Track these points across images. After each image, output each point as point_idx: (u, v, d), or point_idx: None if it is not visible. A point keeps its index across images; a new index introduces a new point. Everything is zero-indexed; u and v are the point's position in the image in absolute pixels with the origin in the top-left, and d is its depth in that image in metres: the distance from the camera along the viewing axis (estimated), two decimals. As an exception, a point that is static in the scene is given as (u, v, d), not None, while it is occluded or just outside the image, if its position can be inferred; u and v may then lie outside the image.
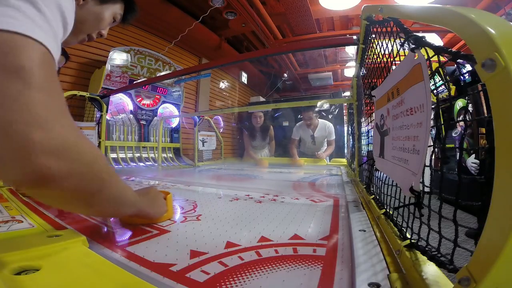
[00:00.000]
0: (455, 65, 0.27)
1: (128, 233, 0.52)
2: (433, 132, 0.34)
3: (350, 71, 5.11)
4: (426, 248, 0.32)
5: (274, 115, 4.35)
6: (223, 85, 4.77)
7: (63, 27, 0.36)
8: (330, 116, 3.74)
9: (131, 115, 2.82)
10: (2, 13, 0.28)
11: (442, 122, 0.34)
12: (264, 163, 2.36)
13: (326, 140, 2.67)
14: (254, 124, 2.79)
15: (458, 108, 2.85)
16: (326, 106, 3.44)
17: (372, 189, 0.76)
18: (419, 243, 0.35)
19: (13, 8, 0.29)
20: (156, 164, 2.48)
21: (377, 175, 0.68)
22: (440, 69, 0.32)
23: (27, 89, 0.28)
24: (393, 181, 0.50)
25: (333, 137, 2.65)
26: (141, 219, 0.56)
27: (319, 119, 2.66)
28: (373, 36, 0.72)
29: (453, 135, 2.95)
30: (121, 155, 2.59)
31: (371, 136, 0.76)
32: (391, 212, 0.51)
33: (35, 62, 0.29)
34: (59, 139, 0.29)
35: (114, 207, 0.43)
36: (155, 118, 3.03)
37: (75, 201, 0.36)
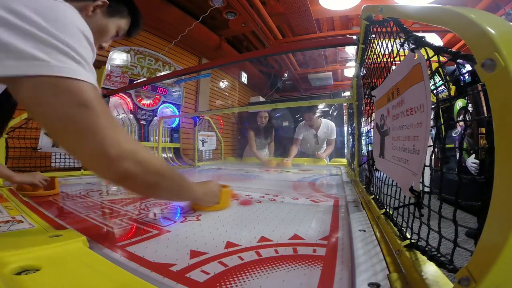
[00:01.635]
0: (455, 65, 0.27)
1: (128, 233, 0.52)
2: (433, 132, 0.34)
3: (350, 71, 5.11)
4: (426, 248, 0.32)
5: (274, 115, 4.35)
6: (223, 85, 4.77)
7: (92, 52, 0.44)
8: (328, 118, 3.73)
9: (131, 115, 2.82)
10: (59, 63, 0.37)
11: (442, 122, 0.34)
12: (272, 163, 2.36)
13: (326, 139, 2.67)
14: (259, 123, 2.78)
15: (458, 108, 2.85)
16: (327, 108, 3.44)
17: (372, 189, 0.76)
18: (419, 243, 0.35)
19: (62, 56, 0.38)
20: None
21: (377, 175, 0.68)
22: (440, 69, 0.32)
23: (97, 117, 0.39)
24: (393, 181, 0.50)
25: (334, 136, 2.65)
26: (200, 206, 0.70)
27: (321, 119, 2.66)
28: (373, 36, 0.72)
29: (453, 135, 2.95)
30: (121, 155, 2.58)
31: (371, 136, 0.76)
32: (391, 212, 0.51)
33: (93, 96, 0.39)
34: (127, 149, 0.42)
35: (174, 194, 0.57)
36: (155, 118, 3.04)
37: (148, 190, 0.49)
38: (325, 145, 2.69)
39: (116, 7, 0.67)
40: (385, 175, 0.57)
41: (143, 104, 2.95)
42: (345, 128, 3.31)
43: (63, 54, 0.37)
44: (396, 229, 0.44)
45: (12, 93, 0.38)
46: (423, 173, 0.34)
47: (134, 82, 2.73)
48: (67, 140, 0.40)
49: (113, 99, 2.65)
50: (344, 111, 4.03)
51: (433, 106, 0.32)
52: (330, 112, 3.95)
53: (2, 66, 0.34)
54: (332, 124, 2.65)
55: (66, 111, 0.37)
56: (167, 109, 3.26)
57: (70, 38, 0.38)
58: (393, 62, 0.52)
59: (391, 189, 0.51)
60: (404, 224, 0.41)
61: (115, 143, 0.40)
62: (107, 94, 1.97)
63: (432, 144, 0.34)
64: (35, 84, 0.36)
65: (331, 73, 5.41)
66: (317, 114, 2.64)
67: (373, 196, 0.70)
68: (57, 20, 0.38)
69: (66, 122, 0.38)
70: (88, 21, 0.44)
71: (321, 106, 2.97)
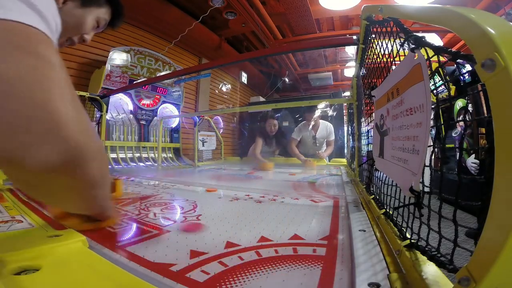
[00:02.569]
0: (455, 65, 0.27)
1: (128, 234, 0.52)
2: (433, 132, 0.34)
3: (350, 71, 5.11)
4: (426, 248, 0.32)
5: (274, 115, 4.34)
6: (223, 85, 4.77)
7: (56, 29, 0.38)
8: (329, 119, 3.72)
9: (131, 115, 2.82)
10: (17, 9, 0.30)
11: (442, 122, 0.34)
12: (269, 167, 2.36)
13: (325, 140, 2.68)
14: (268, 132, 2.75)
15: (458, 108, 2.85)
16: (327, 109, 3.43)
17: (372, 189, 0.76)
18: (419, 243, 0.35)
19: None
20: (156, 164, 2.48)
21: (377, 175, 0.68)
22: (440, 69, 0.32)
23: (53, 71, 0.30)
24: (393, 181, 0.50)
25: (333, 137, 2.66)
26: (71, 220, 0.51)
27: (320, 120, 2.66)
28: (373, 36, 0.72)
29: (453, 135, 2.95)
30: (121, 155, 2.58)
31: (371, 136, 0.76)
32: (391, 212, 0.51)
33: (50, 50, 0.31)
34: (83, 120, 0.32)
35: (102, 203, 0.46)
36: (155, 118, 3.03)
37: (93, 180, 0.37)
38: (324, 146, 2.69)
39: None
40: (385, 175, 0.57)
41: (143, 104, 2.95)
42: (345, 128, 3.31)
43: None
44: (396, 229, 0.44)
45: None
46: (423, 173, 0.34)
47: (134, 82, 2.72)
48: None
49: (113, 99, 2.65)
50: (344, 111, 4.03)
51: (433, 106, 0.32)
52: (330, 113, 3.94)
53: None
54: (330, 126, 2.66)
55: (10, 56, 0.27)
56: (166, 109, 3.26)
57: None
58: (393, 62, 0.52)
59: (391, 189, 0.51)
60: (404, 224, 0.41)
61: (71, 104, 0.30)
62: (107, 94, 1.97)
63: (432, 144, 0.34)
64: None
65: (331, 73, 5.41)
66: (318, 114, 2.63)
67: (373, 196, 0.70)
68: None
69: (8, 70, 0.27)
70: (61, 13, 0.39)
71: (321, 106, 2.96)
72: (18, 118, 0.27)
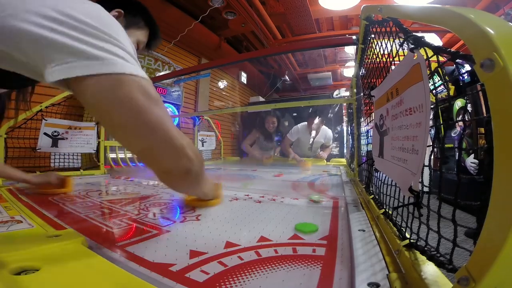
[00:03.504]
0: (454, 65, 0.28)
1: (128, 233, 0.52)
2: (432, 132, 0.34)
3: (349, 71, 5.11)
4: (425, 248, 0.32)
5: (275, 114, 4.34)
6: (222, 85, 4.77)
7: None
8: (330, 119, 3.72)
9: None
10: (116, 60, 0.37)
11: (441, 122, 0.34)
12: (267, 162, 2.36)
13: (321, 145, 2.67)
14: (268, 129, 2.76)
15: (457, 108, 2.86)
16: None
17: (371, 189, 0.76)
18: (418, 243, 0.35)
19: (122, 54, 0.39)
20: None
21: (376, 175, 0.68)
22: (439, 69, 0.32)
23: (161, 109, 0.41)
24: (392, 181, 0.50)
25: (330, 143, 2.66)
26: (196, 202, 0.74)
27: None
28: (373, 36, 0.72)
29: (452, 135, 2.95)
30: (121, 155, 2.58)
31: (371, 136, 0.76)
32: (390, 212, 0.51)
33: (153, 90, 0.40)
34: (186, 139, 0.45)
35: (201, 185, 0.60)
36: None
37: (196, 181, 0.53)
38: (318, 150, 2.68)
39: (131, 18, 0.65)
40: (384, 175, 0.57)
41: (142, 104, 2.95)
42: (344, 128, 3.31)
43: (117, 49, 0.37)
44: (395, 229, 0.44)
45: (75, 94, 0.38)
46: (422, 173, 0.34)
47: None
48: (135, 134, 0.39)
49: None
50: (343, 111, 4.04)
51: (432, 106, 0.32)
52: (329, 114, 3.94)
53: (63, 68, 0.34)
54: (329, 133, 2.66)
55: (134, 106, 0.37)
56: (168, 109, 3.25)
57: (118, 35, 0.39)
58: (392, 62, 0.52)
59: (391, 189, 0.51)
60: (404, 224, 0.41)
61: (176, 133, 0.43)
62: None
63: (431, 144, 0.34)
64: (98, 82, 0.35)
65: (330, 73, 5.41)
66: (322, 121, 2.61)
67: (373, 196, 0.70)
68: (103, 21, 0.39)
69: (136, 116, 0.38)
70: None
71: (336, 93, 2.97)
72: (157, 150, 0.42)
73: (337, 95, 4.49)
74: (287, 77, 5.37)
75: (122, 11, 0.62)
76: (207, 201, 0.73)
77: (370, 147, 0.82)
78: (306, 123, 2.64)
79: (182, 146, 0.43)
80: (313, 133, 2.56)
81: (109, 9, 0.61)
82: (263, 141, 2.80)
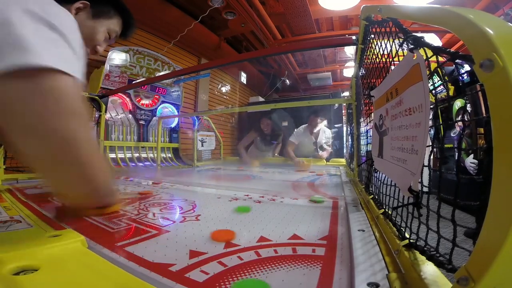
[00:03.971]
0: (454, 65, 0.28)
1: (127, 234, 0.52)
2: (432, 132, 0.34)
3: (349, 71, 5.11)
4: (425, 248, 0.32)
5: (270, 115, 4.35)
6: (222, 85, 4.77)
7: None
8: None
9: (130, 115, 2.82)
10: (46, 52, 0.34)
11: (440, 122, 0.34)
12: (255, 164, 2.39)
13: (321, 145, 2.68)
14: (265, 130, 2.78)
15: (457, 108, 2.86)
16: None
17: (371, 189, 0.76)
18: (417, 243, 0.35)
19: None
20: (155, 164, 2.48)
21: (376, 175, 0.68)
22: (438, 69, 0.32)
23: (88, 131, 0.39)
24: (391, 181, 0.50)
25: (330, 142, 2.68)
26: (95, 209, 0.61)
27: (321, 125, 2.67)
28: (372, 36, 0.72)
29: (452, 135, 2.96)
30: (120, 155, 2.58)
31: (370, 136, 0.76)
32: (390, 212, 0.51)
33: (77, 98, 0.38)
34: (108, 185, 0.46)
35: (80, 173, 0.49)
36: (154, 118, 3.03)
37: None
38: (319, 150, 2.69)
39: (99, 8, 0.66)
40: (384, 175, 0.57)
41: (142, 104, 2.95)
42: (344, 128, 3.31)
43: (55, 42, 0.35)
44: (395, 229, 0.44)
45: None
46: (421, 173, 0.34)
47: (133, 82, 2.72)
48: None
49: (112, 99, 2.65)
50: (343, 111, 4.04)
51: (431, 106, 0.32)
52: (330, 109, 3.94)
53: None
54: (329, 132, 2.70)
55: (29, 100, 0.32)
56: (166, 109, 3.25)
57: (66, 29, 0.37)
58: (392, 63, 0.52)
59: (390, 189, 0.51)
60: (403, 224, 0.41)
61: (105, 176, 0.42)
62: (106, 94, 1.97)
63: (430, 144, 0.34)
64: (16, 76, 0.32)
65: (330, 73, 5.41)
66: (323, 121, 2.63)
67: (372, 196, 0.70)
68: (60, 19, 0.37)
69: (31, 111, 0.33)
70: None
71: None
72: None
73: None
74: (287, 80, 5.37)
75: (88, 2, 0.62)
76: (100, 208, 0.62)
77: (369, 147, 0.83)
78: (305, 125, 2.65)
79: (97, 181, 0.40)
80: (315, 129, 2.57)
81: (74, 0, 0.61)
82: (260, 143, 2.81)
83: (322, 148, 2.66)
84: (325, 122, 2.74)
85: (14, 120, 0.34)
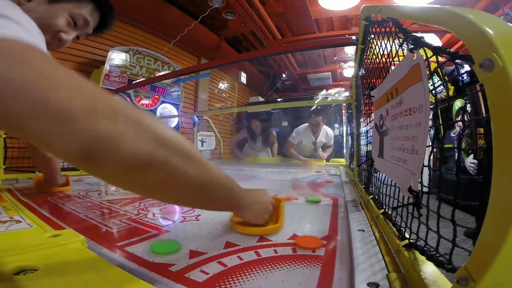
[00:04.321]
0: (454, 65, 0.28)
1: (127, 234, 0.52)
2: (432, 132, 0.34)
3: (349, 71, 5.12)
4: (425, 248, 0.32)
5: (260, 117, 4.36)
6: (222, 85, 4.77)
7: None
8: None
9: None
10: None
11: (440, 122, 0.34)
12: (246, 160, 2.41)
13: (323, 144, 2.68)
14: (255, 130, 2.79)
15: (457, 108, 2.86)
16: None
17: (370, 189, 0.76)
18: (417, 243, 0.35)
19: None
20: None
21: (375, 175, 0.68)
22: (438, 69, 0.32)
23: (35, 66, 0.25)
24: (391, 181, 0.50)
25: (332, 142, 2.67)
26: (244, 225, 0.50)
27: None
28: (372, 36, 0.72)
29: (452, 135, 2.96)
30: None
31: (370, 136, 0.76)
32: (389, 212, 0.51)
33: (26, 49, 0.27)
34: (105, 101, 0.26)
35: (208, 193, 0.37)
36: (154, 118, 3.03)
37: (139, 175, 0.29)
38: (320, 149, 2.69)
39: None
40: (383, 175, 0.57)
41: (142, 104, 2.95)
42: (344, 128, 3.31)
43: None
44: (395, 229, 0.44)
45: None
46: (421, 173, 0.34)
47: (133, 82, 2.72)
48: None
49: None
50: (343, 111, 4.05)
51: (431, 106, 0.32)
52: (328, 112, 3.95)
53: None
54: (330, 132, 2.67)
55: None
56: (166, 109, 3.25)
57: None
58: (392, 63, 0.52)
59: (390, 189, 0.51)
60: (403, 224, 0.41)
61: (77, 89, 0.26)
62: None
63: (431, 144, 0.34)
64: None
65: (330, 73, 5.42)
66: (322, 121, 2.62)
67: (372, 196, 0.70)
68: None
69: None
70: (27, 12, 0.35)
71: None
72: (33, 122, 0.25)
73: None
74: (287, 79, 5.37)
75: None
76: (260, 226, 0.51)
77: (369, 147, 0.83)
78: (307, 124, 2.64)
79: (82, 107, 0.25)
80: (315, 123, 2.56)
81: None
82: (251, 141, 2.82)
83: (323, 148, 2.65)
84: (324, 126, 2.73)
85: None
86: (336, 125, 3.95)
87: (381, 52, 0.59)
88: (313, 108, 2.56)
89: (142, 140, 0.28)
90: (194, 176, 0.33)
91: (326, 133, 2.65)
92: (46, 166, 0.93)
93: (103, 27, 0.70)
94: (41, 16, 0.54)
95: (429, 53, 0.31)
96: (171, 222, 0.60)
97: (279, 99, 5.54)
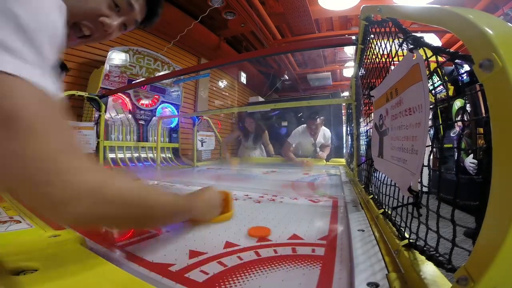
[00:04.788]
0: (453, 65, 0.28)
1: (127, 234, 0.52)
2: (432, 132, 0.34)
3: (348, 71, 5.12)
4: (425, 248, 0.32)
5: (272, 114, 4.34)
6: (222, 85, 4.77)
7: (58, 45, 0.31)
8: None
9: (130, 115, 2.82)
10: None
11: (440, 122, 0.34)
12: (233, 163, 2.42)
13: (321, 144, 2.69)
14: (248, 128, 2.81)
15: (457, 108, 2.86)
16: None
17: (370, 189, 0.76)
18: (417, 243, 0.35)
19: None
20: (155, 164, 2.47)
21: (375, 175, 0.68)
22: (438, 69, 0.32)
23: (23, 142, 0.24)
24: (391, 181, 0.50)
25: (329, 142, 2.68)
26: (200, 221, 0.57)
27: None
28: (372, 36, 0.72)
29: (451, 135, 2.96)
30: (120, 155, 2.58)
31: (370, 136, 0.76)
32: (389, 212, 0.51)
33: (28, 103, 0.24)
34: (77, 186, 0.28)
35: (165, 220, 0.47)
36: (154, 118, 3.03)
37: (123, 225, 0.40)
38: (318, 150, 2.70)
39: None
40: (383, 175, 0.57)
41: (141, 104, 2.95)
42: (344, 128, 3.31)
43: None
44: (394, 228, 0.44)
45: None
46: (421, 173, 0.34)
47: (133, 82, 2.72)
48: None
49: (112, 99, 2.65)
50: (342, 111, 4.04)
51: (431, 106, 0.32)
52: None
53: None
54: (328, 132, 2.70)
55: None
56: (166, 109, 3.25)
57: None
58: (392, 63, 0.52)
59: (390, 189, 0.51)
60: (403, 224, 0.41)
61: (61, 176, 0.27)
62: (105, 94, 1.97)
63: (430, 144, 0.34)
64: None
65: (330, 73, 5.41)
66: (320, 122, 2.63)
67: (372, 196, 0.70)
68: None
69: None
70: None
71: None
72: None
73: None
74: (286, 77, 5.37)
75: None
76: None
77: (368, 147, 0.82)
78: (305, 125, 2.65)
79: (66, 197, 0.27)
80: (314, 128, 2.57)
81: None
82: (244, 141, 2.83)
83: (321, 148, 2.66)
84: (322, 127, 2.74)
85: None
86: (333, 128, 3.96)
87: (381, 52, 0.59)
88: (312, 109, 2.57)
89: (103, 209, 0.32)
90: (164, 213, 0.44)
91: (324, 133, 2.66)
92: None
93: (152, 16, 0.62)
94: (75, 4, 0.44)
95: (429, 53, 0.31)
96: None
97: (284, 99, 5.53)
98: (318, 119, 2.55)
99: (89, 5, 0.47)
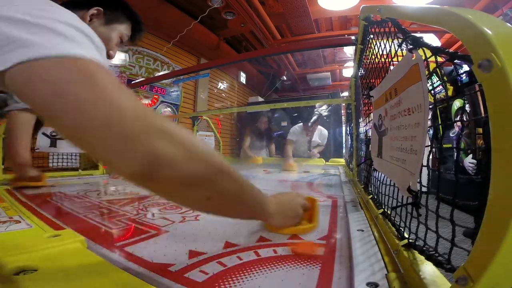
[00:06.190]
0: (453, 66, 0.28)
1: (127, 234, 0.52)
2: (431, 132, 0.34)
3: (348, 71, 5.12)
4: (424, 248, 0.32)
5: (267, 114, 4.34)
6: (221, 85, 4.77)
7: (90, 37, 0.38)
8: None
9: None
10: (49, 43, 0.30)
11: (439, 122, 0.34)
12: (257, 160, 2.40)
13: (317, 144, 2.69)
14: (260, 128, 2.80)
15: (456, 108, 2.87)
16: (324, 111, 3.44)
17: (370, 189, 0.76)
18: (417, 243, 0.35)
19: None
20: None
21: (375, 175, 0.68)
22: (437, 69, 0.32)
23: (105, 86, 0.30)
24: (391, 181, 0.51)
25: (324, 142, 2.69)
26: (274, 228, 0.51)
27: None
28: (371, 36, 0.72)
29: (451, 135, 2.96)
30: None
31: (370, 136, 0.76)
32: (389, 212, 0.51)
33: (96, 68, 0.31)
34: (157, 123, 0.30)
35: (234, 202, 0.41)
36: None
37: (194, 189, 0.34)
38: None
39: (112, 14, 0.68)
40: (383, 175, 0.57)
41: (141, 104, 2.95)
42: (343, 128, 3.31)
43: (54, 33, 0.31)
44: (394, 228, 0.44)
45: (15, 90, 0.31)
46: (420, 173, 0.34)
47: (133, 82, 2.72)
48: (69, 125, 0.29)
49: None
50: (342, 111, 4.05)
51: (430, 107, 0.32)
52: (325, 114, 3.93)
53: None
54: (325, 131, 2.69)
55: (63, 88, 0.28)
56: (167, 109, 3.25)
57: (62, 17, 0.33)
58: (391, 63, 0.52)
59: (389, 189, 0.51)
60: (402, 224, 0.41)
61: (137, 113, 0.29)
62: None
63: (429, 144, 0.34)
64: (26, 69, 0.29)
65: (329, 73, 5.42)
66: (317, 121, 2.63)
67: (371, 196, 0.70)
68: (49, 10, 0.34)
69: (65, 99, 0.28)
70: None
71: (319, 107, 3.02)
72: (98, 139, 0.29)
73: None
74: (285, 78, 5.37)
75: (101, 9, 0.65)
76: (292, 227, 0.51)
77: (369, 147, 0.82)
78: (302, 124, 2.65)
79: (140, 129, 0.29)
80: (310, 129, 2.57)
81: (88, 7, 0.63)
82: (256, 141, 2.84)
83: (315, 147, 2.66)
84: (319, 126, 2.74)
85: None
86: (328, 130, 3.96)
87: (380, 52, 0.59)
88: (307, 112, 2.57)
89: (194, 161, 0.32)
90: (233, 191, 0.38)
91: (321, 132, 2.66)
92: (13, 160, 1.01)
93: (130, 42, 0.78)
94: (101, 37, 0.57)
95: (428, 53, 0.32)
96: (171, 222, 0.60)
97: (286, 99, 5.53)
98: (314, 123, 2.55)
99: (107, 42, 0.64)
